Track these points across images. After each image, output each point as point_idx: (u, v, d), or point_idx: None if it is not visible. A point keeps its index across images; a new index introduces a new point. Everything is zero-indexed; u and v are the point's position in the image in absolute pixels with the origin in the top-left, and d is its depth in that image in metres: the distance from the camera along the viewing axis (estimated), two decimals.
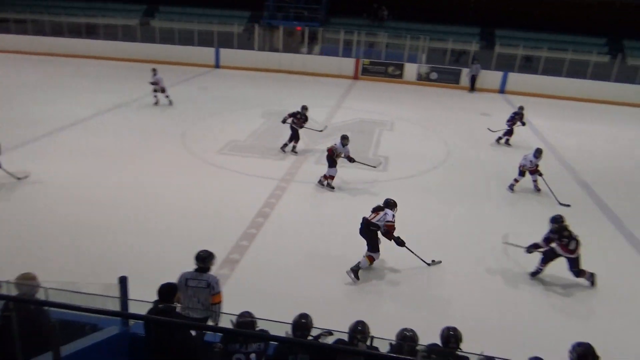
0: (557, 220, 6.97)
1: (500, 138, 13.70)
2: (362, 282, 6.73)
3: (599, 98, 20.39)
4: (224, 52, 22.88)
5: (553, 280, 7.10)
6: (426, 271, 7.12)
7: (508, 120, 13.53)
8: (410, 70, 21.81)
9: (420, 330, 4.02)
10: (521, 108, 13.56)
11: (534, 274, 7.13)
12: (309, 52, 23.18)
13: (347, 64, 22.26)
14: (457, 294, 6.68)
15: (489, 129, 13.85)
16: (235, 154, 11.63)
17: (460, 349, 3.98)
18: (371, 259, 6.87)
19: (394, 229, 6.75)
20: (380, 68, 22.03)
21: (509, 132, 13.56)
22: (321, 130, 12.54)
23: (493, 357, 3.42)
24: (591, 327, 6.19)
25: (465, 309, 6.28)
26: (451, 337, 4.01)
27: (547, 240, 6.95)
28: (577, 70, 21.05)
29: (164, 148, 11.73)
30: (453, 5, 25.76)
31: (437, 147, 13.15)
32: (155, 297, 4.12)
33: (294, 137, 11.66)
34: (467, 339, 4.06)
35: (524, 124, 13.53)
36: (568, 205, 9.73)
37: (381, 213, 6.81)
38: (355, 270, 6.74)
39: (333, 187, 9.79)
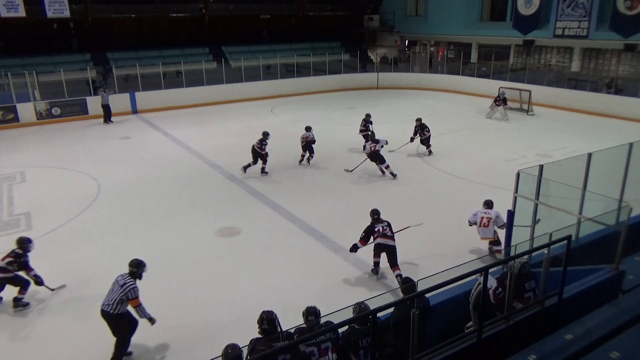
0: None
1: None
2: None
3: (218, 100, 23.03)
4: None
5: None
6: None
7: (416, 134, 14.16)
8: (26, 110, 19.23)
9: None
10: (419, 120, 14.21)
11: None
12: None
13: None
14: None
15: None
16: None
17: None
18: (388, 168, 12.25)
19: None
20: None
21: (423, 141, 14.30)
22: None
23: None
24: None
25: None
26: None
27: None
28: (195, 79, 23.12)
29: None
30: (51, 34, 23.94)
31: (85, 184, 12.21)
32: None
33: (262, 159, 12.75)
34: None
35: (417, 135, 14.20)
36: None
37: (377, 144, 12.07)
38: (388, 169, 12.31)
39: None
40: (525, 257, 5.15)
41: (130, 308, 5.77)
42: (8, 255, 6.89)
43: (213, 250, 8.70)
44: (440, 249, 8.50)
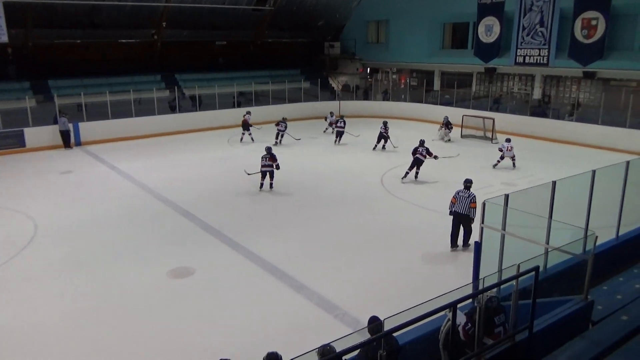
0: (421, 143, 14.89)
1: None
2: None
3: (167, 131, 22.84)
4: None
5: None
6: None
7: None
8: None
9: None
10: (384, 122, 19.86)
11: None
12: None
13: None
14: None
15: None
16: None
17: None
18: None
19: None
20: None
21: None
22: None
23: None
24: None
25: None
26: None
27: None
28: (145, 109, 22.88)
29: None
30: None
31: (20, 223, 11.68)
32: None
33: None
34: None
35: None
36: None
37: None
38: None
39: None
40: (494, 290, 5.24)
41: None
42: (268, 160, 13.61)
43: (165, 293, 8.44)
44: (407, 283, 8.55)
